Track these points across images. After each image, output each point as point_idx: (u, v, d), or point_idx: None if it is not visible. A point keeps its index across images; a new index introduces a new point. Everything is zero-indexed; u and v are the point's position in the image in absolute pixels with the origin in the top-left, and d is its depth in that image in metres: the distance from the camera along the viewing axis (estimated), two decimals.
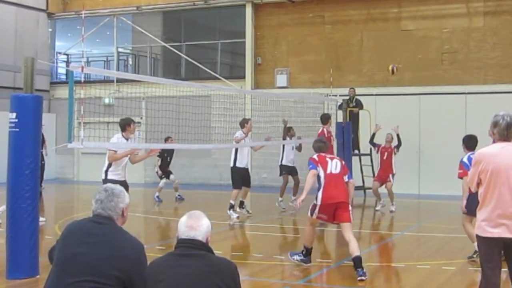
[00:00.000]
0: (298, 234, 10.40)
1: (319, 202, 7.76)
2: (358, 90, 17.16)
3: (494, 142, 5.27)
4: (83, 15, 10.11)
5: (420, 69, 18.08)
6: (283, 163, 13.95)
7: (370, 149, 17.08)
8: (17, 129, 7.22)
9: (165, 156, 15.57)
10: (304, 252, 8.07)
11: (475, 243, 8.60)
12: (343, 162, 8.19)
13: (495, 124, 5.03)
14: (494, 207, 4.92)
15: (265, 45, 20.16)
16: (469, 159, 8.67)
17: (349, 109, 16.65)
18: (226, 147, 13.60)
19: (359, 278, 7.31)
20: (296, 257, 8.08)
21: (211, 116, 16.50)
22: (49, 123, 19.69)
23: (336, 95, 17.09)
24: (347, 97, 16.90)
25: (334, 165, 7.90)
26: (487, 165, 4.95)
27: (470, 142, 8.87)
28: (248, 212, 12.66)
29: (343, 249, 9.55)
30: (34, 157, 7.29)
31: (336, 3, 19.16)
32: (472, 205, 8.44)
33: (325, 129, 13.03)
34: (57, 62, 23.83)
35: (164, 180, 15.66)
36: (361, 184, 17.09)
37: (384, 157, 13.97)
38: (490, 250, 4.99)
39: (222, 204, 12.41)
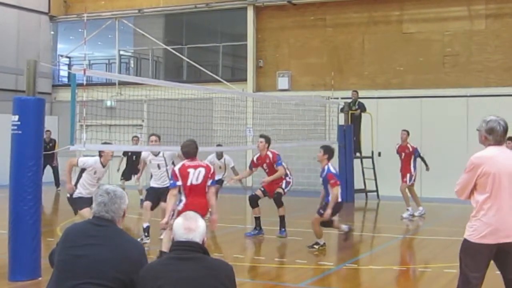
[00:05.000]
0: (299, 237, 10.40)
1: (180, 208, 7.36)
2: (360, 93, 17.16)
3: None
4: (85, 18, 10.14)
5: (421, 72, 18.08)
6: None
7: (372, 152, 17.11)
8: (19, 132, 7.23)
9: (130, 155, 14.73)
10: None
11: (320, 240, 9.12)
12: (212, 169, 7.67)
13: (491, 131, 4.82)
14: (495, 211, 4.74)
15: (267, 47, 20.18)
16: (334, 169, 9.13)
17: (350, 111, 16.69)
18: (228, 150, 13.59)
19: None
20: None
21: (212, 118, 16.53)
22: (51, 125, 19.68)
23: (337, 98, 17.13)
24: (350, 100, 16.94)
25: (197, 175, 7.49)
26: (489, 168, 4.75)
27: (332, 153, 9.19)
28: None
29: (344, 252, 9.55)
30: (36, 159, 7.30)
31: (337, 6, 19.17)
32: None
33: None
34: (59, 65, 23.88)
35: (139, 182, 14.45)
36: (362, 187, 17.10)
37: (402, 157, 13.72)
38: (480, 258, 4.78)
39: (222, 207, 12.38)
